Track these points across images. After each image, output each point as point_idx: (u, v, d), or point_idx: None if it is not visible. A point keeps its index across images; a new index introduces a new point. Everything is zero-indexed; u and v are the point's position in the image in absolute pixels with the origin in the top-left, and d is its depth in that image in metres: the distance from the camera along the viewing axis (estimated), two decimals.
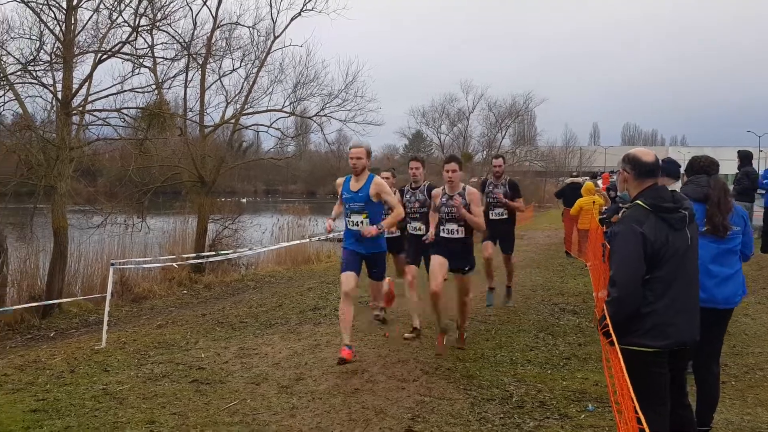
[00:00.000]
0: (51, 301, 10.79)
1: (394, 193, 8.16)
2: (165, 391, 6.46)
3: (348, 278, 7.42)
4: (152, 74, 18.77)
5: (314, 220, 26.18)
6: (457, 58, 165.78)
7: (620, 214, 4.29)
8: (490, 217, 9.96)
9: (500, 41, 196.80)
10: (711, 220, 4.98)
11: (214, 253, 16.65)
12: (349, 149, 7.75)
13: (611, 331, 3.91)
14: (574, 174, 20.65)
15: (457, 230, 7.63)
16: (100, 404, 6.10)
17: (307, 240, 20.92)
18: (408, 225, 8.63)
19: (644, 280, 3.95)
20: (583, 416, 5.68)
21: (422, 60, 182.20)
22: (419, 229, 8.36)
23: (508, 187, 10.23)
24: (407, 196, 8.59)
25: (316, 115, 23.60)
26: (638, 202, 4.06)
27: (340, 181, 7.78)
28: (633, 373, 3.61)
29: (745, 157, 13.62)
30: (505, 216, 10.23)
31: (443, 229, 7.68)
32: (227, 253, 16.33)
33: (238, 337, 8.82)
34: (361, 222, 7.42)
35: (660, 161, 6.34)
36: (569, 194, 17.61)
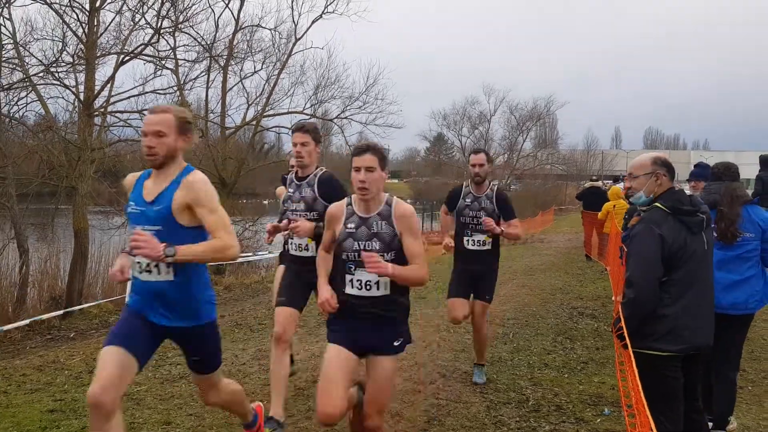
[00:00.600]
0: (71, 309, 10.85)
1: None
2: (182, 393, 6.48)
3: (105, 382, 3.63)
4: (174, 76, 19.03)
5: None
6: (479, 61, 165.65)
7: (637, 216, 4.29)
8: (467, 246, 6.56)
9: (523, 43, 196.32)
10: (717, 225, 4.98)
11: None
12: (147, 115, 4.00)
13: (625, 334, 3.91)
14: (594, 178, 20.55)
15: (378, 284, 4.10)
16: None
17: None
18: (288, 242, 5.55)
19: (661, 283, 3.93)
20: (599, 420, 5.62)
21: (445, 61, 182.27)
22: (305, 249, 5.30)
23: (496, 203, 6.50)
24: (289, 191, 5.48)
25: (337, 117, 23.81)
26: (657, 204, 4.06)
27: (130, 179, 4.10)
28: (647, 377, 3.63)
29: (764, 162, 13.45)
30: (488, 246, 6.55)
31: (352, 282, 4.12)
32: (247, 256, 16.41)
33: (256, 339, 8.84)
34: (151, 268, 3.82)
35: (697, 166, 6.48)
36: (589, 198, 17.52)
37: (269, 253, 18.50)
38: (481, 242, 6.50)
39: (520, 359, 7.54)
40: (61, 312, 10.43)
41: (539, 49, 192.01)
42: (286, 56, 22.38)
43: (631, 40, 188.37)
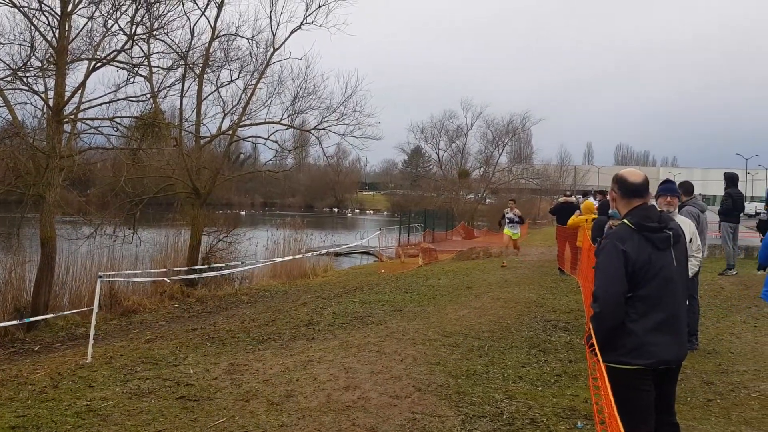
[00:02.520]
0: (35, 318, 10.58)
1: None
2: (151, 408, 6.31)
3: None
4: (147, 83, 18.73)
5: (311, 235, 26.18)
6: (459, 76, 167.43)
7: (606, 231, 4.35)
8: None
9: (502, 62, 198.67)
10: None
11: (206, 266, 16.53)
12: None
13: (596, 348, 3.93)
14: (568, 193, 20.73)
15: None
16: (82, 421, 5.96)
17: (301, 256, 20.96)
18: None
19: (627, 298, 3.96)
20: None
21: (424, 76, 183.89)
22: None
23: None
24: None
25: (314, 128, 23.61)
26: (624, 220, 4.11)
27: None
28: (617, 391, 3.64)
29: (730, 179, 13.95)
30: None
31: None
32: (220, 268, 16.21)
33: (229, 353, 8.67)
34: None
35: (666, 182, 6.61)
36: (563, 212, 17.64)
37: (243, 265, 18.31)
38: None
39: (495, 372, 7.49)
40: (15, 322, 10.12)
41: (516, 66, 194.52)
42: (263, 66, 22.21)
43: (604, 59, 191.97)
